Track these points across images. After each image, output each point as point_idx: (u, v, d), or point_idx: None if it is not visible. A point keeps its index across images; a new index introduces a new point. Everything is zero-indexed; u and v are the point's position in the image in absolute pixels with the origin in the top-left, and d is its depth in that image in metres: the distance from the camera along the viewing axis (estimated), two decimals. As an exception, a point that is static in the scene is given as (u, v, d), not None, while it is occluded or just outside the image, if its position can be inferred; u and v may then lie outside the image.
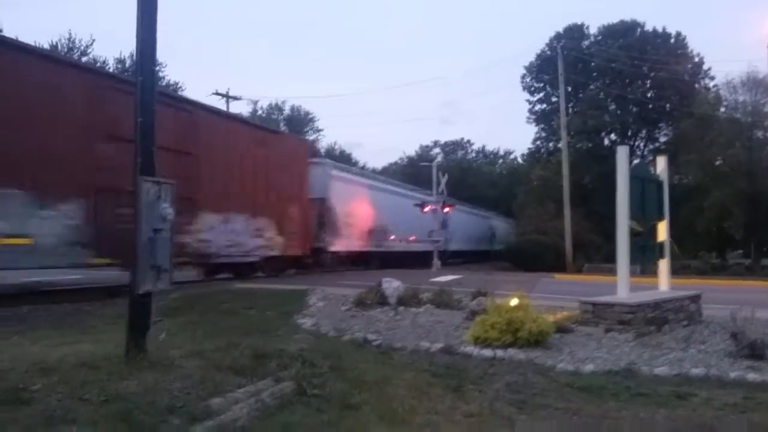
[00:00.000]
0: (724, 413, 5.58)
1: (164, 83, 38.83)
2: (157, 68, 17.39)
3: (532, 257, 33.37)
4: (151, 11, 6.26)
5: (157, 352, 5.86)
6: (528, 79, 47.92)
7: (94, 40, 37.91)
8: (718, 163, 35.81)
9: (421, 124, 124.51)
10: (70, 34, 37.35)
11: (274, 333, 8.66)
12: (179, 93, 41.37)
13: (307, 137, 57.46)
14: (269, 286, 14.93)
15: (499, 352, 7.66)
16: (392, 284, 11.96)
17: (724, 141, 34.20)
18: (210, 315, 10.31)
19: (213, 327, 8.83)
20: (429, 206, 33.01)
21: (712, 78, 43.09)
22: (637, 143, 45.30)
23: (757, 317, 9.33)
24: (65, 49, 37.10)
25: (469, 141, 77.45)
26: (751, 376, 6.74)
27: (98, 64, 37.87)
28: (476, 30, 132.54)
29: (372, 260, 28.81)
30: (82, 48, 37.60)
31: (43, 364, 5.45)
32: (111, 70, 38.24)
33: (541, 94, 47.60)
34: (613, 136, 44.78)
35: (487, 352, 7.69)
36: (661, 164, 11.84)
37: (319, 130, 59.86)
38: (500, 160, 77.08)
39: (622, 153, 10.06)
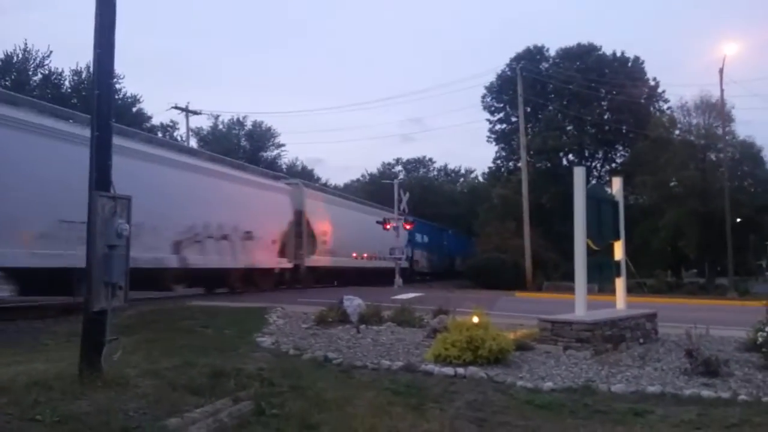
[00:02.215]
0: (680, 430, 5.67)
1: (121, 96, 38.19)
2: (115, 81, 17.02)
3: (492, 275, 33.56)
4: (109, 24, 6.18)
5: (112, 371, 5.73)
6: (488, 99, 48.39)
7: (51, 52, 37.00)
8: (672, 184, 36.66)
9: (383, 142, 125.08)
10: (26, 44, 36.52)
11: (232, 351, 8.55)
12: (137, 105, 40.93)
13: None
14: (228, 304, 14.74)
15: (460, 370, 7.68)
16: (354, 302, 11.92)
17: (678, 162, 35.07)
18: (166, 333, 10.11)
19: (169, 345, 8.66)
20: (390, 223, 33.24)
21: (667, 101, 44.24)
22: (594, 164, 46.07)
23: (711, 335, 9.55)
24: (21, 60, 36.30)
25: (431, 159, 77.88)
26: (706, 393, 6.87)
27: (55, 76, 37.22)
28: (439, 49, 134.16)
29: None
30: (38, 59, 36.79)
31: (-8, 383, 5.28)
32: (67, 81, 37.70)
33: (501, 114, 48.10)
34: (571, 157, 45.49)
35: (448, 370, 7.70)
36: (617, 185, 12.06)
37: (280, 146, 59.50)
38: (461, 179, 77.68)
39: (578, 174, 10.23)
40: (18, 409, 4.71)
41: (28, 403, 4.82)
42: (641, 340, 10.22)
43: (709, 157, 36.82)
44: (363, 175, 73.13)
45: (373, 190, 56.38)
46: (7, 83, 33.80)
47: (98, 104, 6.14)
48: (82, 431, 4.40)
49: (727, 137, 35.02)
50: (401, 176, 62.34)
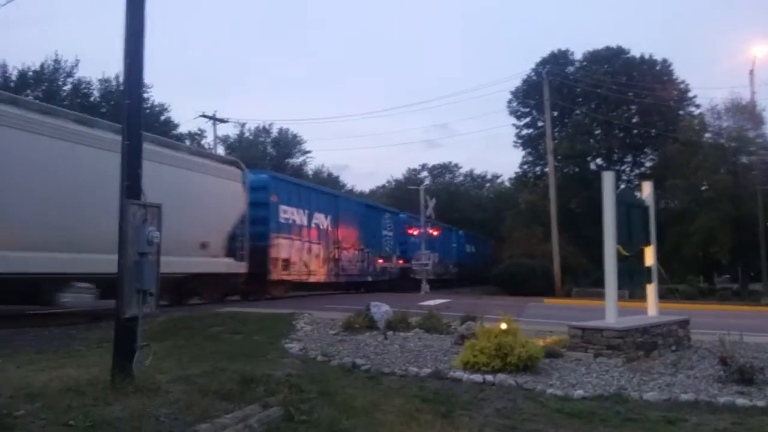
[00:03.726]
0: (715, 439, 5.56)
1: (150, 104, 38.74)
2: (144, 90, 17.18)
3: (520, 281, 33.31)
4: (138, 35, 6.28)
5: (143, 377, 5.80)
6: (514, 104, 48.18)
7: (78, 61, 37.81)
8: (703, 188, 36.12)
9: (409, 148, 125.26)
10: (56, 55, 37.32)
11: (261, 357, 8.59)
12: (165, 114, 41.49)
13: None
14: (256, 310, 14.82)
15: (489, 377, 7.63)
16: (381, 308, 11.90)
17: (709, 166, 34.55)
18: (196, 339, 10.21)
19: (199, 351, 8.75)
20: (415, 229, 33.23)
21: (698, 105, 43.61)
22: (623, 168, 45.57)
23: (746, 342, 9.36)
24: (51, 71, 37.04)
25: (456, 164, 77.83)
26: (741, 401, 6.73)
27: (83, 86, 37.91)
28: (465, 55, 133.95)
29: None
30: (67, 69, 37.53)
31: (27, 389, 5.38)
32: (96, 90, 38.36)
33: (528, 119, 47.85)
34: (599, 161, 45.10)
35: (477, 377, 7.65)
36: (647, 189, 11.90)
37: (306, 152, 59.85)
38: (488, 184, 77.42)
39: (607, 178, 10.10)
40: (52, 414, 4.78)
41: (62, 409, 4.90)
42: (674, 348, 10.06)
43: (741, 160, 36.19)
44: (388, 181, 73.34)
45: (399, 196, 56.43)
46: (39, 94, 34.49)
47: (128, 113, 6.23)
48: (115, 437, 4.45)
49: (758, 140, 34.43)
50: (427, 182, 62.28)
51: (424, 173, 74.16)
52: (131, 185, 6.09)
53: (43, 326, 11.48)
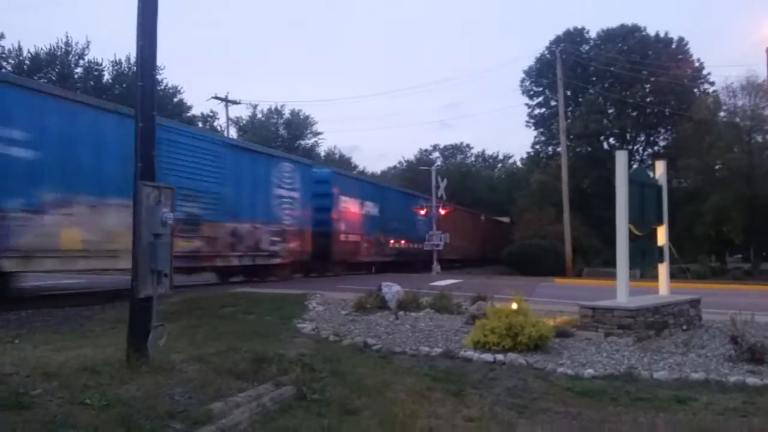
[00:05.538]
0: (725, 418, 5.60)
1: (163, 87, 38.75)
2: (156, 72, 17.15)
3: (531, 261, 33.31)
4: (152, 17, 6.29)
5: (158, 357, 5.87)
6: (527, 83, 47.84)
7: (89, 42, 37.75)
8: (717, 167, 35.82)
9: (420, 129, 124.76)
10: (67, 37, 37.31)
11: (274, 337, 8.67)
12: (178, 96, 41.52)
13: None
14: (269, 291, 14.92)
15: (499, 357, 7.68)
16: (392, 288, 11.96)
17: (723, 145, 34.22)
18: (210, 319, 10.31)
19: (213, 331, 8.83)
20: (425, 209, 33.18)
21: (712, 83, 43.09)
22: (636, 147, 45.26)
23: (757, 321, 9.36)
24: (63, 53, 37.04)
25: (468, 145, 77.59)
26: (751, 380, 6.75)
27: (94, 68, 37.91)
28: (477, 34, 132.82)
29: None
30: (78, 51, 37.52)
31: (44, 368, 5.46)
32: (107, 72, 38.32)
33: (540, 98, 47.50)
34: (612, 141, 44.81)
35: (487, 357, 7.71)
36: (660, 169, 11.85)
37: (318, 134, 59.72)
38: (499, 164, 77.17)
39: (620, 157, 10.07)
40: (68, 392, 4.86)
41: (78, 388, 4.97)
42: (685, 327, 10.07)
43: (755, 139, 35.82)
44: (400, 162, 73.22)
45: (411, 177, 56.37)
46: (52, 77, 34.57)
47: (142, 96, 6.25)
48: (130, 415, 4.53)
49: (773, 118, 34.08)
50: (438, 163, 62.09)
51: (436, 154, 74.05)
52: (145, 167, 6.12)
53: (59, 307, 11.62)
